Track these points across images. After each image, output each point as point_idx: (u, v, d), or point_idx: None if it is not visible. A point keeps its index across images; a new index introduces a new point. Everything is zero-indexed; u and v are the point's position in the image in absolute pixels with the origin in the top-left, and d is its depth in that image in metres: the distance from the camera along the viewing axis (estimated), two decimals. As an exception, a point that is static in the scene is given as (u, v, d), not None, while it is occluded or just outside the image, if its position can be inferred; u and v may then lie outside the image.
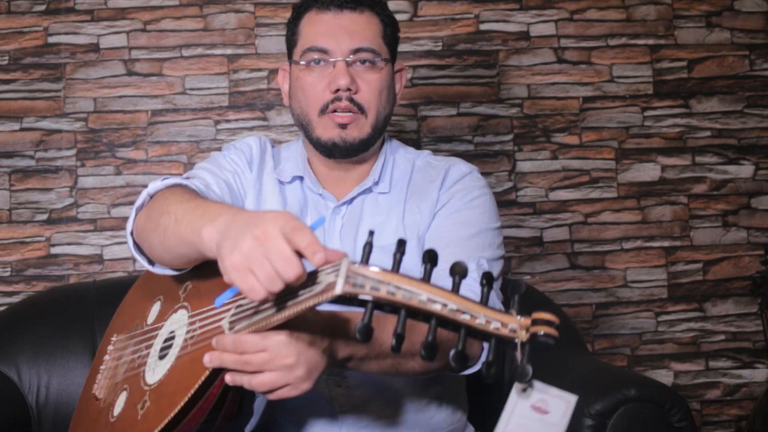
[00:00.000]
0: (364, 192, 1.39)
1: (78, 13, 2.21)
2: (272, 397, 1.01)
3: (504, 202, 2.27)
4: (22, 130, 2.20)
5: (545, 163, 2.30)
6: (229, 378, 1.00)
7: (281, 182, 1.40)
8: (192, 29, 2.24)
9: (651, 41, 2.34)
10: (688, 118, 2.35)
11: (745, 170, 2.35)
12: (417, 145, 2.26)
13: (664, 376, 2.29)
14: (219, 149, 2.21)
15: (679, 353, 2.31)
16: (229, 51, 2.24)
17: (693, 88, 2.35)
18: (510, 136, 2.29)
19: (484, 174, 2.27)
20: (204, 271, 1.14)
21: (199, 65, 2.24)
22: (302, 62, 1.33)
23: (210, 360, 1.00)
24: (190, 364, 1.03)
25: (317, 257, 0.89)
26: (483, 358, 1.20)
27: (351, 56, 1.30)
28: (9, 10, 2.20)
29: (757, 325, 2.32)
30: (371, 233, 0.90)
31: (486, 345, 1.12)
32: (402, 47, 2.26)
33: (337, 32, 1.31)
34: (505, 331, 0.84)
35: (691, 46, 2.35)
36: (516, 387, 0.90)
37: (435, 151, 2.25)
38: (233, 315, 1.02)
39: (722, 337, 2.33)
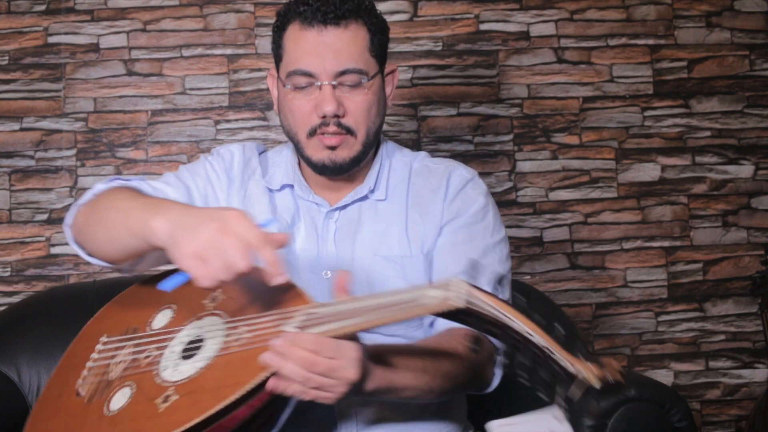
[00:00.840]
0: (359, 199, 1.37)
1: (78, 13, 2.21)
2: (306, 397, 1.03)
3: (504, 202, 2.27)
4: (22, 130, 2.20)
5: (545, 163, 2.30)
6: (273, 383, 1.01)
7: (271, 190, 1.39)
8: (192, 29, 2.24)
9: (651, 41, 2.34)
10: (688, 118, 2.35)
11: (745, 170, 2.35)
12: (417, 145, 2.26)
13: (664, 376, 2.29)
14: (219, 149, 2.22)
15: (679, 353, 2.31)
16: (229, 51, 2.24)
17: (693, 88, 2.35)
18: (510, 136, 2.29)
19: (484, 174, 2.29)
20: (237, 284, 1.19)
21: (199, 65, 2.24)
22: (288, 86, 1.30)
23: (268, 360, 1.01)
24: (242, 362, 1.05)
25: (265, 253, 1.00)
26: (495, 383, 1.31)
27: (336, 79, 1.27)
28: (9, 10, 2.20)
29: (757, 325, 2.32)
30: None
31: (498, 372, 1.30)
32: (402, 47, 2.27)
33: (322, 52, 1.26)
34: (581, 376, 0.94)
35: (691, 46, 2.35)
36: (553, 410, 0.98)
37: (435, 151, 2.25)
38: (304, 322, 1.03)
39: (722, 337, 2.33)
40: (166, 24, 2.23)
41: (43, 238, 2.18)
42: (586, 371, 0.93)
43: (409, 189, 1.39)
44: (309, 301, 1.08)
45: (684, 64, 2.35)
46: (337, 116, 1.28)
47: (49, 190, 2.19)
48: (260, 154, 1.46)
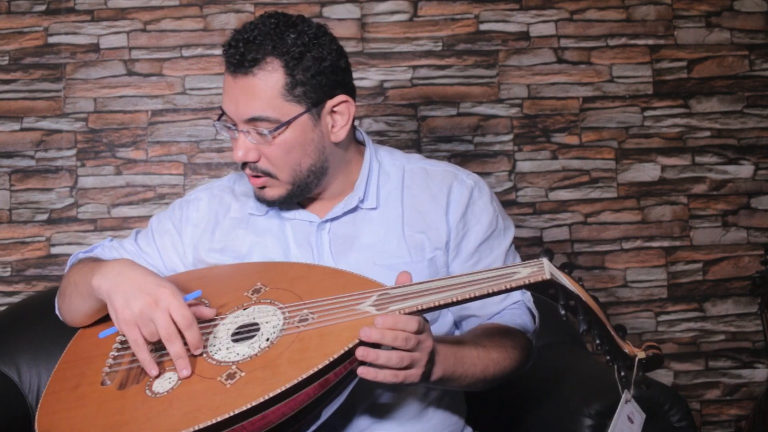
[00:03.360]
0: (350, 211, 1.35)
1: (78, 13, 2.21)
2: (396, 380, 1.08)
3: (504, 202, 2.27)
4: (22, 130, 2.20)
5: (545, 163, 2.31)
6: (361, 353, 1.06)
7: (256, 215, 1.38)
8: (192, 29, 2.24)
9: (651, 41, 2.34)
10: (687, 118, 2.35)
11: (744, 170, 2.35)
12: (417, 145, 2.26)
13: (664, 376, 2.29)
14: (219, 149, 2.22)
15: (678, 353, 2.31)
16: (229, 51, 2.24)
17: (693, 88, 2.35)
18: (510, 136, 2.29)
19: (484, 174, 2.29)
20: (278, 271, 1.24)
21: (199, 65, 2.24)
22: (218, 123, 1.30)
23: (369, 334, 1.05)
24: (320, 338, 1.09)
25: (188, 334, 1.13)
26: (528, 365, 1.38)
27: (247, 126, 1.25)
28: (9, 10, 2.20)
29: (757, 325, 2.32)
30: None
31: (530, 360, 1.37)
32: (402, 47, 2.27)
33: (234, 98, 1.25)
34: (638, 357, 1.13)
35: (690, 46, 2.35)
36: (625, 396, 1.15)
37: (435, 152, 2.25)
38: (378, 301, 1.11)
39: (722, 337, 2.33)
40: (166, 24, 2.23)
41: (43, 238, 2.18)
42: (635, 352, 1.10)
43: (403, 193, 1.37)
44: (378, 285, 1.15)
45: (684, 64, 2.35)
46: (248, 162, 1.28)
47: (49, 190, 2.19)
48: (231, 186, 1.45)
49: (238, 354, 1.12)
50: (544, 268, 1.07)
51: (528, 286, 1.07)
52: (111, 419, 1.09)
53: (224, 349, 1.14)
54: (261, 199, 1.33)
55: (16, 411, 1.67)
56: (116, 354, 1.21)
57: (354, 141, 1.39)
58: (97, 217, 2.20)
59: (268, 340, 1.12)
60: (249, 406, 1.02)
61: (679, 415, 1.42)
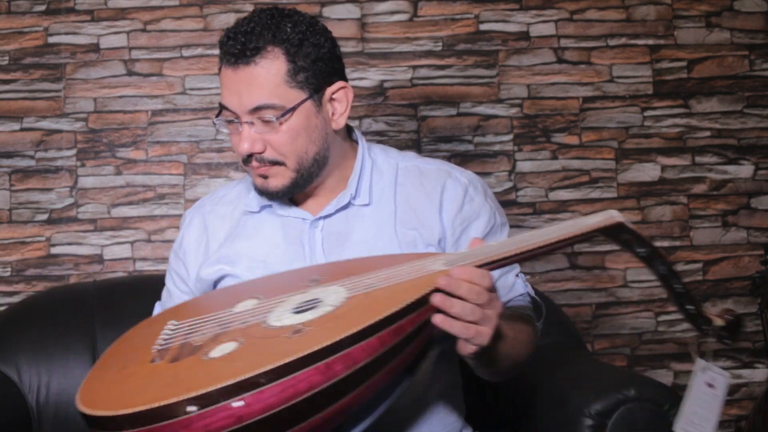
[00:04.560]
0: (343, 208, 1.35)
1: (78, 13, 2.21)
2: (467, 334, 1.04)
3: (504, 202, 2.26)
4: (22, 130, 2.20)
5: (545, 163, 2.31)
6: (438, 299, 1.02)
7: (250, 212, 1.38)
8: (192, 29, 2.24)
9: (651, 41, 2.34)
10: (687, 118, 2.35)
11: (744, 170, 2.35)
12: (417, 145, 2.26)
13: (664, 376, 2.29)
14: (219, 149, 2.22)
15: (679, 353, 2.31)
16: (229, 51, 2.24)
17: (693, 88, 2.35)
18: (510, 136, 2.29)
19: (484, 174, 2.28)
20: (332, 266, 1.21)
21: (199, 65, 2.24)
22: (218, 119, 1.30)
23: (447, 283, 1.02)
24: (389, 293, 1.04)
25: None
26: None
27: (251, 116, 1.25)
28: (9, 10, 2.20)
29: (757, 325, 2.32)
30: None
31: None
32: (402, 47, 2.27)
33: (236, 91, 1.25)
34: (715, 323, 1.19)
35: (690, 46, 2.35)
36: (698, 364, 1.21)
37: (435, 152, 2.25)
38: (447, 263, 1.07)
39: (722, 337, 2.32)
40: (166, 24, 2.23)
41: (43, 238, 2.18)
42: (712, 318, 1.15)
43: (396, 190, 1.36)
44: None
45: (684, 64, 2.35)
46: (254, 153, 1.27)
47: (49, 190, 2.19)
48: (211, 207, 1.45)
49: (302, 318, 1.04)
50: (615, 215, 1.08)
51: (603, 230, 1.07)
52: (165, 382, 0.99)
53: (288, 319, 1.06)
54: (264, 192, 1.32)
55: (16, 411, 1.68)
56: (167, 336, 1.12)
57: (348, 138, 1.39)
58: (97, 217, 2.20)
59: (332, 306, 1.05)
60: (321, 346, 0.93)
61: (679, 415, 1.42)
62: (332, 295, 1.08)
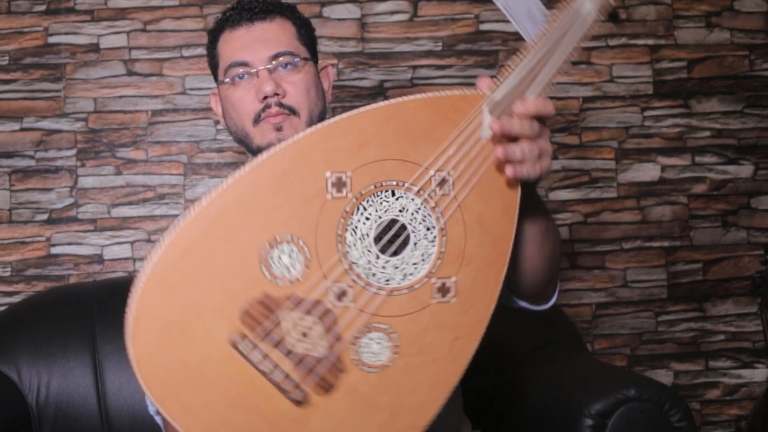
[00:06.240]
0: None
1: (78, 13, 2.21)
2: (535, 173, 1.02)
3: (504, 202, 2.27)
4: (22, 130, 2.20)
5: (545, 163, 2.30)
6: (500, 151, 0.98)
7: None
8: (192, 29, 2.24)
9: (651, 41, 2.34)
10: (688, 118, 2.35)
11: (744, 170, 2.35)
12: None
13: (664, 376, 2.29)
14: (219, 149, 2.22)
15: (678, 353, 2.31)
16: (229, 51, 2.24)
17: (693, 88, 2.35)
18: (510, 136, 2.29)
19: (484, 174, 2.28)
20: (334, 145, 0.98)
21: (199, 65, 2.24)
22: (227, 80, 1.34)
23: (509, 126, 0.98)
24: (480, 198, 0.95)
25: None
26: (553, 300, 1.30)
27: (271, 63, 1.31)
28: (9, 10, 2.20)
29: (757, 325, 2.32)
30: None
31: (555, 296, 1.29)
32: (402, 47, 2.27)
33: (253, 44, 1.32)
34: None
35: (690, 46, 2.35)
36: None
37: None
38: (493, 103, 0.98)
39: (722, 337, 2.33)
40: (166, 24, 2.23)
41: (43, 238, 2.18)
42: None
43: None
44: (468, 94, 0.99)
45: (684, 64, 2.35)
46: (277, 95, 1.31)
47: (49, 190, 2.19)
48: None
49: (414, 265, 0.92)
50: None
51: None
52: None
53: (388, 268, 0.92)
54: (276, 144, 1.32)
55: (16, 411, 1.68)
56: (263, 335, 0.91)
57: None
58: (97, 217, 2.20)
59: (429, 230, 0.94)
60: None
61: (679, 415, 1.42)
62: (407, 211, 0.94)
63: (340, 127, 0.94)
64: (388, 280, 0.93)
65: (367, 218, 0.94)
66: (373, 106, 0.96)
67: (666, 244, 2.32)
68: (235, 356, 0.88)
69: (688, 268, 2.33)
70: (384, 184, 0.95)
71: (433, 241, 0.94)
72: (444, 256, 0.93)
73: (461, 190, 0.95)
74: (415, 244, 0.95)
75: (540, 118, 1.02)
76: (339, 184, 0.93)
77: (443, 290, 0.93)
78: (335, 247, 0.92)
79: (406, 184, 0.95)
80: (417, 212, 0.95)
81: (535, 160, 1.01)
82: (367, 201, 0.94)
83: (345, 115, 0.96)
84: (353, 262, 0.93)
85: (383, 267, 0.94)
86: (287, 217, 0.91)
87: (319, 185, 0.93)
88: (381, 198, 0.95)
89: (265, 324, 0.90)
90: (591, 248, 2.31)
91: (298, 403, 0.88)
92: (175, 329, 0.87)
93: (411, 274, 0.93)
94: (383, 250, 0.95)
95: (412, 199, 0.95)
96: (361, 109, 0.96)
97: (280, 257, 0.91)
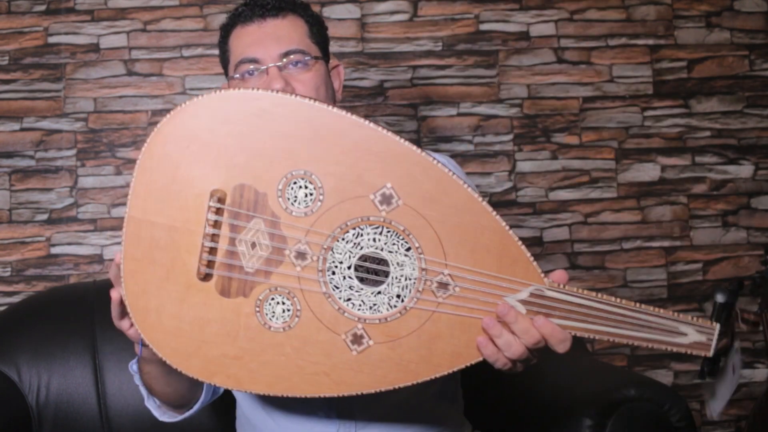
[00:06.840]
0: None
1: (78, 13, 2.21)
2: (500, 364, 1.03)
3: (504, 202, 2.27)
4: (22, 130, 2.20)
5: (545, 163, 2.31)
6: (487, 323, 1.00)
7: None
8: (192, 29, 2.24)
9: (651, 41, 2.34)
10: (688, 118, 2.35)
11: (744, 170, 2.35)
12: (417, 144, 2.26)
13: (664, 376, 2.29)
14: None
15: (678, 353, 2.31)
16: (229, 51, 2.24)
17: (693, 88, 2.35)
18: (510, 136, 2.29)
19: (484, 174, 2.29)
20: (406, 169, 1.10)
21: (200, 65, 2.24)
22: (237, 75, 1.33)
23: (515, 318, 1.00)
24: (449, 333, 1.00)
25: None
26: None
27: (281, 61, 1.30)
28: (9, 10, 2.20)
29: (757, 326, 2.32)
30: None
31: None
32: (402, 47, 2.27)
33: (264, 40, 1.31)
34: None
35: (690, 46, 2.35)
36: (736, 344, 1.30)
37: (435, 151, 2.26)
38: (529, 299, 1.01)
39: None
40: (166, 24, 2.23)
41: (43, 238, 2.18)
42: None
43: None
44: (538, 276, 1.02)
45: (684, 64, 2.35)
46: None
47: (49, 190, 2.19)
48: None
49: (362, 305, 0.99)
50: (711, 345, 1.01)
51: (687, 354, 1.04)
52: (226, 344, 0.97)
53: (345, 287, 1.00)
54: None
55: (16, 411, 1.67)
56: (211, 239, 1.00)
57: None
58: (97, 217, 2.20)
59: (400, 298, 1.00)
60: (375, 390, 0.98)
61: (679, 415, 1.42)
62: (402, 268, 1.01)
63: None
64: (339, 294, 1.00)
65: (361, 248, 1.01)
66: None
67: (666, 244, 2.32)
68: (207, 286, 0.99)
69: (688, 268, 2.33)
70: (405, 231, 1.01)
71: (391, 309, 1.00)
72: (384, 325, 0.99)
73: (444, 310, 1.01)
74: (380, 290, 1.01)
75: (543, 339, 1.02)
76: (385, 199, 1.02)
77: (357, 340, 1.00)
78: (334, 229, 1.00)
79: (422, 254, 1.00)
80: (409, 280, 1.01)
81: (508, 357, 1.01)
82: (378, 231, 1.01)
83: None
84: (334, 255, 1.00)
85: (357, 290, 1.00)
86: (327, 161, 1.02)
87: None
88: (392, 237, 1.01)
89: (243, 208, 0.99)
90: (591, 248, 2.31)
91: (201, 277, 0.99)
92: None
93: (354, 304, 1.00)
94: (363, 279, 1.02)
95: (414, 265, 1.01)
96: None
97: (299, 187, 1.00)
